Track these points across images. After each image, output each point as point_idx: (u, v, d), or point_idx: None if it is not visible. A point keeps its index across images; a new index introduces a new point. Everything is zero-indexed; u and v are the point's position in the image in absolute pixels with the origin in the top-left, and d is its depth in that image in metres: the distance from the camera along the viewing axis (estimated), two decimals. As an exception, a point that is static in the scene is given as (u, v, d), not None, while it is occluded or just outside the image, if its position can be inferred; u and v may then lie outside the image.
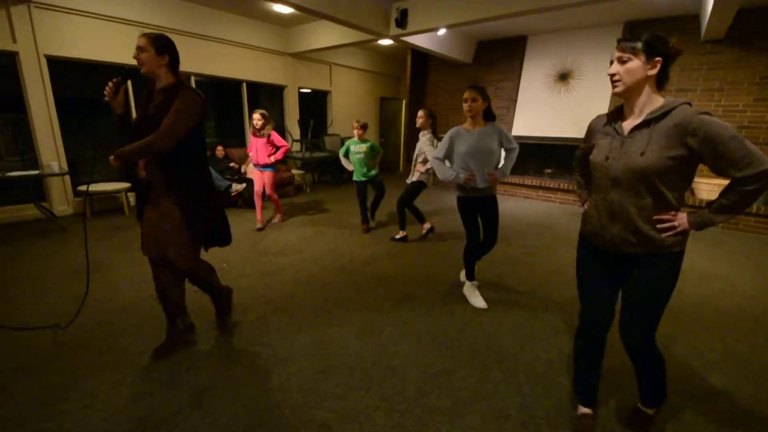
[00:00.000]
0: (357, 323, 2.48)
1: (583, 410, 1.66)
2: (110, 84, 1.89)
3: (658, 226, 1.34)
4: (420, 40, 6.07)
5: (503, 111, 7.29)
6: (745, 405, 1.81)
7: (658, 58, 1.28)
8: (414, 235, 4.37)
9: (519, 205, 6.47)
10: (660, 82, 1.33)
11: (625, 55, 1.30)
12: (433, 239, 4.32)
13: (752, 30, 4.87)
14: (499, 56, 7.24)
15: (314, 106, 8.32)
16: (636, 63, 1.29)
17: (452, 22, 4.87)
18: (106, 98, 1.90)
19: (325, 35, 6.38)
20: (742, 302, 2.91)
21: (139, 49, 1.86)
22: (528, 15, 4.48)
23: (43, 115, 4.61)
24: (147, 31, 1.97)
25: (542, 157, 7.10)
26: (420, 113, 3.96)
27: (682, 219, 1.33)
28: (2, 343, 2.15)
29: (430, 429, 1.63)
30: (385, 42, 6.40)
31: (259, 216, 4.66)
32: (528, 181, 6.95)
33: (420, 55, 8.01)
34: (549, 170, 7.08)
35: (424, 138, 3.93)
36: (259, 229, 4.58)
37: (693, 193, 5.37)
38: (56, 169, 4.34)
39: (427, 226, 4.35)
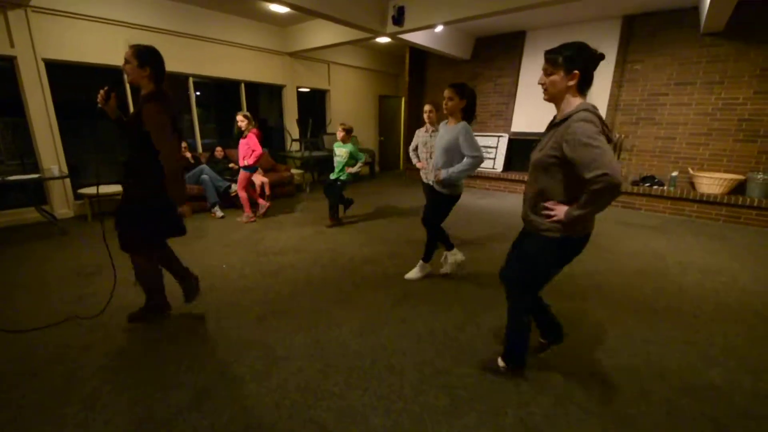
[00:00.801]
0: (356, 322, 2.49)
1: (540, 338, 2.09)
2: (101, 92, 2.07)
3: (542, 212, 1.59)
4: (417, 38, 6.06)
5: (502, 107, 7.28)
6: (745, 399, 1.81)
7: (575, 71, 1.47)
8: (413, 236, 4.36)
9: (519, 201, 6.44)
10: (581, 88, 1.52)
11: (549, 68, 1.52)
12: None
13: (752, 22, 4.84)
14: (497, 52, 7.22)
15: (313, 105, 8.31)
16: (557, 76, 1.50)
17: (449, 19, 4.85)
18: (100, 105, 2.09)
19: (323, 34, 6.36)
20: (743, 296, 2.90)
21: (125, 60, 2.02)
22: (526, 10, 4.47)
23: (42, 119, 4.63)
24: (136, 40, 2.12)
25: (542, 152, 7.08)
26: (429, 107, 3.65)
27: (560, 210, 1.54)
28: (4, 347, 2.17)
29: (427, 428, 1.63)
30: (383, 40, 6.38)
31: (247, 209, 4.87)
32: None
33: (418, 53, 8.00)
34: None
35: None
36: (251, 221, 4.86)
37: (694, 187, 5.35)
38: (56, 173, 4.36)
39: None
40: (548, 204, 1.57)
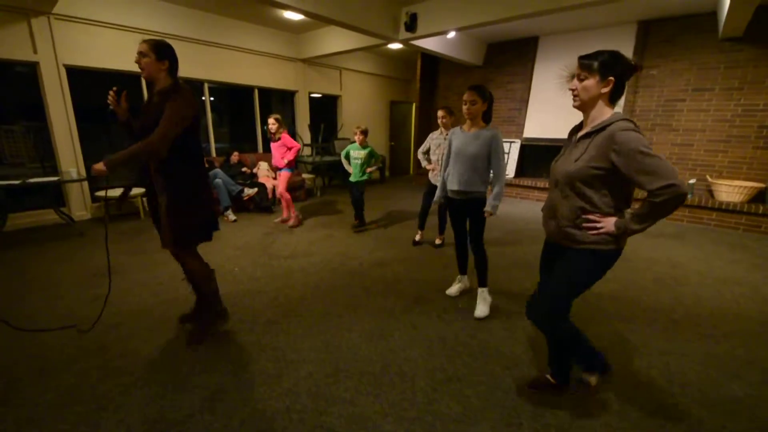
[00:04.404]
0: (367, 327, 2.48)
1: (549, 377, 1.89)
2: (111, 93, 2.00)
3: (584, 225, 1.49)
4: (429, 44, 6.07)
5: (515, 113, 7.23)
6: (769, 415, 1.74)
7: (611, 78, 1.40)
8: (423, 240, 4.33)
9: (532, 207, 6.39)
10: (613, 98, 1.46)
11: (583, 74, 1.45)
12: (446, 244, 4.26)
13: (772, 27, 4.73)
14: (509, 58, 7.19)
15: (324, 110, 8.38)
16: (591, 82, 1.43)
17: (462, 25, 4.86)
18: (111, 107, 2.02)
19: (335, 40, 6.43)
20: (765, 307, 2.81)
21: (141, 54, 1.95)
22: (539, 16, 4.44)
23: (62, 123, 4.75)
24: (149, 37, 2.06)
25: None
26: (443, 113, 3.75)
27: (608, 222, 1.45)
28: (20, 346, 2.21)
29: (440, 436, 1.61)
30: (395, 46, 6.42)
31: (284, 213, 5.00)
32: (540, 183, 6.86)
33: (430, 58, 8.01)
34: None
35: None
36: (283, 221, 5.01)
37: (712, 195, 5.23)
38: (75, 176, 4.45)
39: (441, 239, 4.24)
40: (593, 216, 1.47)
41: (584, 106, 1.49)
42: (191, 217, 2.12)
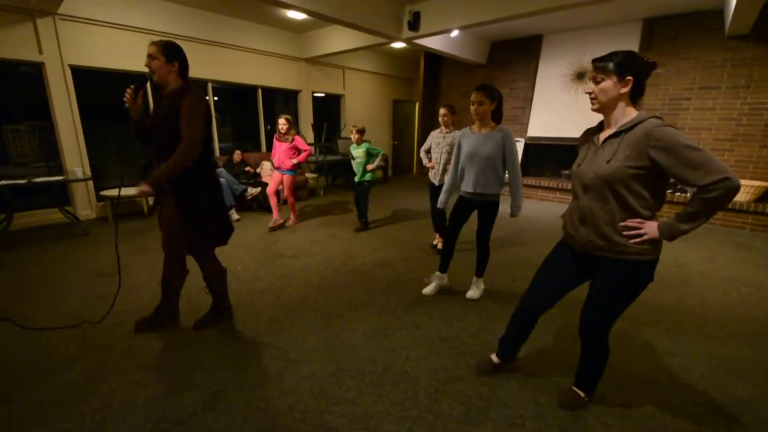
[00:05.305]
0: (369, 327, 2.48)
1: (494, 357, 2.02)
2: (129, 90, 1.98)
3: (624, 233, 1.40)
4: (433, 42, 6.06)
5: (518, 111, 7.20)
6: (775, 417, 1.73)
7: (629, 77, 1.36)
8: (426, 240, 4.33)
9: (535, 207, 6.37)
10: (634, 97, 1.41)
11: (599, 76, 1.41)
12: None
13: (780, 24, 4.68)
14: (513, 56, 7.16)
15: (328, 109, 8.39)
16: (608, 83, 1.39)
17: (465, 23, 4.84)
18: (127, 105, 1.99)
19: (339, 39, 6.43)
20: (771, 308, 2.79)
21: (150, 57, 1.94)
22: (543, 14, 4.42)
23: (67, 123, 4.78)
24: (157, 38, 2.05)
25: (559, 158, 6.98)
26: (444, 111, 3.68)
27: (650, 227, 1.37)
28: (25, 344, 2.23)
29: (441, 436, 1.60)
30: (398, 45, 6.41)
31: (275, 214, 4.83)
32: (544, 182, 6.84)
33: (433, 57, 8.00)
34: (566, 171, 6.95)
35: (453, 135, 3.68)
36: (271, 229, 4.69)
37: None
38: (80, 175, 4.48)
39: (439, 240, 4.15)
40: (633, 222, 1.38)
41: (604, 108, 1.44)
42: (205, 221, 2.14)
